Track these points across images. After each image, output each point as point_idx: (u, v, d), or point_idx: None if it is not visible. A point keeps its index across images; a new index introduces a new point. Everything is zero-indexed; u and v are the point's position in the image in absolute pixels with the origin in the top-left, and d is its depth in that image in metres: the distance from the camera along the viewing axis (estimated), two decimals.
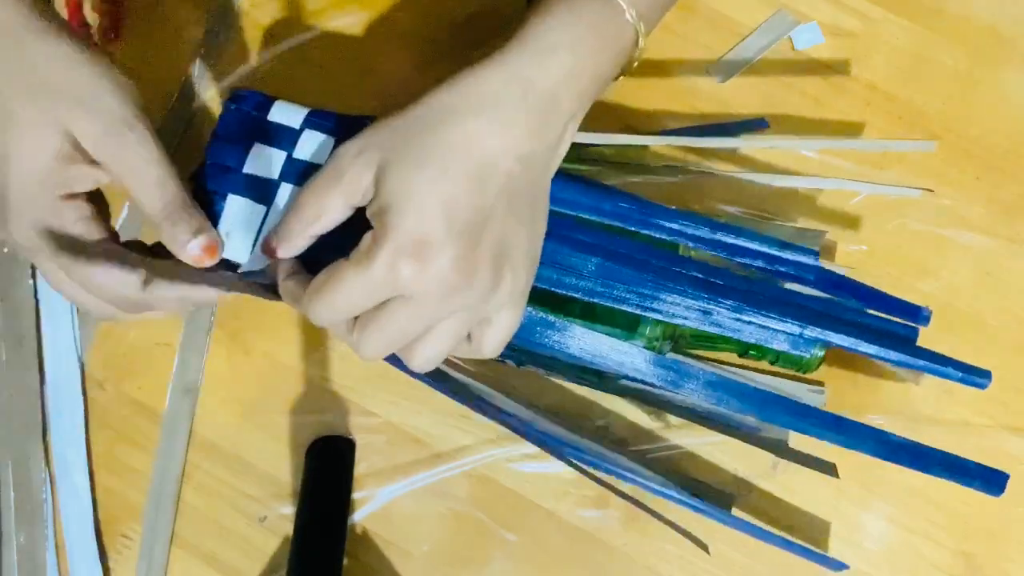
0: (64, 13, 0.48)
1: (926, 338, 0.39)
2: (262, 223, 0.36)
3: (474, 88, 0.31)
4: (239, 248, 0.36)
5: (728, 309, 0.37)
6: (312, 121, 0.37)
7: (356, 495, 0.44)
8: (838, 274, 0.39)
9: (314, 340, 0.45)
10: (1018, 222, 0.47)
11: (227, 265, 0.36)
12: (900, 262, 0.46)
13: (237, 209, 0.36)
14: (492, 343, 0.33)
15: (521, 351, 0.40)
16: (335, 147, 0.34)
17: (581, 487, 0.44)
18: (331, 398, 0.45)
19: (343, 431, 0.44)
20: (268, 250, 0.34)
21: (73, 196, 0.33)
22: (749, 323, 0.37)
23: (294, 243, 0.33)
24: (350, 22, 0.49)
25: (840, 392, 0.44)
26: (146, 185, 0.33)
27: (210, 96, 0.48)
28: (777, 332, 0.37)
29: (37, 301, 0.45)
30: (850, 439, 0.37)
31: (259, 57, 0.49)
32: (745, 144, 0.45)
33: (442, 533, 0.43)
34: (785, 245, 0.39)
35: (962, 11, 0.49)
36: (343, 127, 0.37)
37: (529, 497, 0.44)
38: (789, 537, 0.39)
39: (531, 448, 0.44)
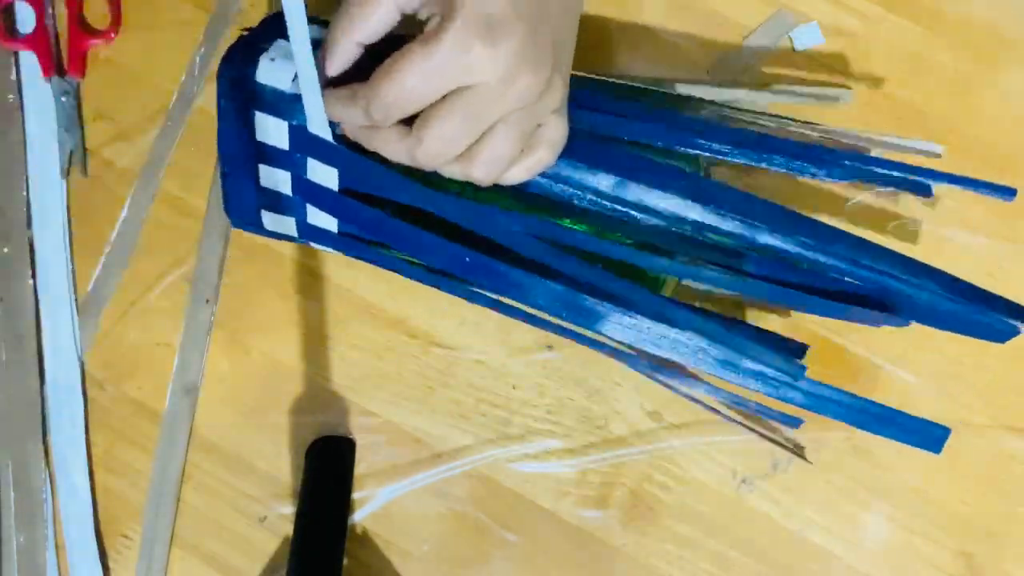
0: (64, 12, 0.48)
1: (926, 338, 0.39)
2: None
3: None
4: (278, 73, 0.35)
5: (763, 145, 0.37)
6: None
7: (356, 495, 0.44)
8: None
9: (314, 340, 0.45)
10: (1018, 222, 0.47)
11: (257, 93, 0.36)
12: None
13: (286, 49, 0.35)
14: (551, 143, 0.33)
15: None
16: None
17: (581, 487, 0.44)
18: (331, 398, 0.45)
19: (343, 431, 0.44)
20: (319, 63, 0.32)
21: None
22: (782, 158, 0.37)
23: (339, 51, 0.32)
24: None
25: None
26: None
27: (209, 96, 0.48)
28: (811, 163, 0.37)
29: (37, 301, 0.45)
30: (814, 401, 0.36)
31: None
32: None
33: (442, 533, 0.43)
34: (811, 147, 0.39)
35: (962, 11, 0.49)
36: None
37: (529, 497, 0.44)
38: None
39: (531, 448, 0.44)
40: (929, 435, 0.36)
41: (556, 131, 0.33)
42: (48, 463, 0.44)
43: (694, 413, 0.44)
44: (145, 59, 0.48)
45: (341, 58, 0.32)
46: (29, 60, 0.47)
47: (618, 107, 0.37)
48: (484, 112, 0.30)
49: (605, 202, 0.35)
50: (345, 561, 0.41)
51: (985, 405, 0.45)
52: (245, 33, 0.37)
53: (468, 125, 0.30)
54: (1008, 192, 0.38)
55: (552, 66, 0.31)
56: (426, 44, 0.29)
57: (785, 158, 0.37)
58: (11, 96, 0.47)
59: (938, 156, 0.43)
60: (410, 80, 0.29)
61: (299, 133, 0.36)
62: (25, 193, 0.46)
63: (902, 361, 0.45)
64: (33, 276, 0.46)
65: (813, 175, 0.38)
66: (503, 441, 0.44)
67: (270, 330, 0.45)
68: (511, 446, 0.44)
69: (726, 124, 0.40)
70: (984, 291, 0.36)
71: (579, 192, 0.35)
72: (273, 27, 0.37)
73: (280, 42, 0.36)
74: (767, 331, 0.39)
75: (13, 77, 0.48)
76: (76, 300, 0.46)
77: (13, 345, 0.45)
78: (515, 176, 0.33)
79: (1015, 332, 0.36)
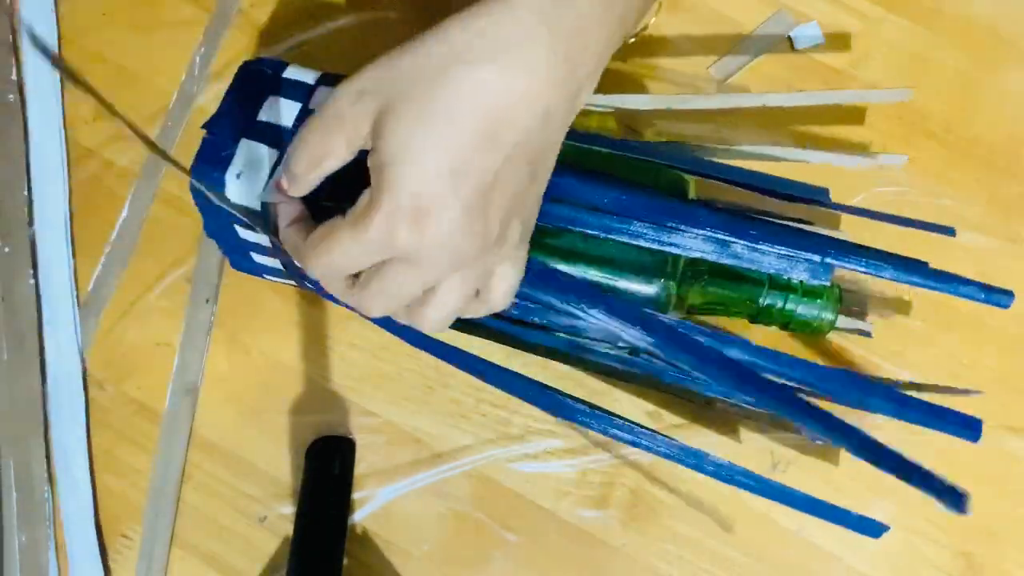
0: None
1: (925, 337, 0.39)
2: (274, 168, 0.36)
3: (491, 28, 0.27)
4: (249, 191, 0.36)
5: (746, 240, 0.36)
6: (326, 79, 0.37)
7: (356, 495, 0.44)
8: (851, 205, 0.39)
9: (314, 340, 0.45)
10: (1018, 222, 0.47)
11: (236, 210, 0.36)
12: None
13: (249, 151, 0.36)
14: (501, 292, 0.32)
15: (528, 301, 0.37)
16: None
17: (581, 487, 0.44)
18: (331, 398, 0.45)
19: (343, 431, 0.44)
20: (279, 187, 0.32)
21: None
22: (767, 253, 0.36)
23: (299, 183, 0.31)
24: (350, 22, 0.49)
25: None
26: None
27: (209, 96, 0.48)
28: (796, 260, 0.36)
29: (39, 299, 0.45)
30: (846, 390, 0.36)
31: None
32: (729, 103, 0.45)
33: (442, 533, 0.43)
34: (794, 185, 0.39)
35: (962, 11, 0.49)
36: None
37: (529, 497, 0.44)
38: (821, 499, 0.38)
39: (531, 448, 0.44)
40: (968, 424, 0.36)
41: (506, 281, 0.32)
42: (49, 462, 0.44)
43: (694, 413, 0.44)
44: (145, 59, 0.48)
45: (301, 187, 0.31)
46: (31, 60, 0.47)
47: (592, 196, 0.37)
48: (424, 278, 0.30)
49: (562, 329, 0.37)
50: (345, 561, 0.41)
51: (985, 405, 0.45)
52: (206, 135, 0.37)
53: (408, 289, 0.30)
54: (1006, 294, 0.37)
55: (507, 226, 0.30)
56: (353, 226, 0.28)
57: (773, 259, 0.36)
58: (12, 96, 0.47)
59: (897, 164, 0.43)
60: (337, 258, 0.29)
61: (279, 244, 0.36)
62: (26, 193, 0.46)
63: (902, 361, 0.45)
64: (35, 275, 0.46)
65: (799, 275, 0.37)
66: (503, 441, 0.44)
67: (270, 330, 0.45)
68: (511, 446, 0.44)
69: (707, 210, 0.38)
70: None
71: (535, 315, 0.36)
72: (235, 114, 0.37)
73: (243, 144, 0.36)
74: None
75: (14, 77, 0.48)
76: (78, 298, 0.46)
77: (14, 344, 0.45)
78: (468, 315, 0.33)
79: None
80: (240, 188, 0.36)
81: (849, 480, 0.44)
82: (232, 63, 0.48)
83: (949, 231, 0.39)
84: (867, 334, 0.44)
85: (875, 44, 0.49)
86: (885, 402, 0.36)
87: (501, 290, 0.32)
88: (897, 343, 0.45)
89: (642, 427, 0.39)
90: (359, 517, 0.43)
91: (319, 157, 0.30)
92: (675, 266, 0.37)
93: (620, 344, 0.39)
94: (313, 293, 0.45)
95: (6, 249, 0.46)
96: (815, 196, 0.40)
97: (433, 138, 0.27)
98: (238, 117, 0.36)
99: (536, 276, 0.35)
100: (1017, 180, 0.47)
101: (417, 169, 0.27)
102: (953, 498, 0.32)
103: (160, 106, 0.48)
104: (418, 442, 0.44)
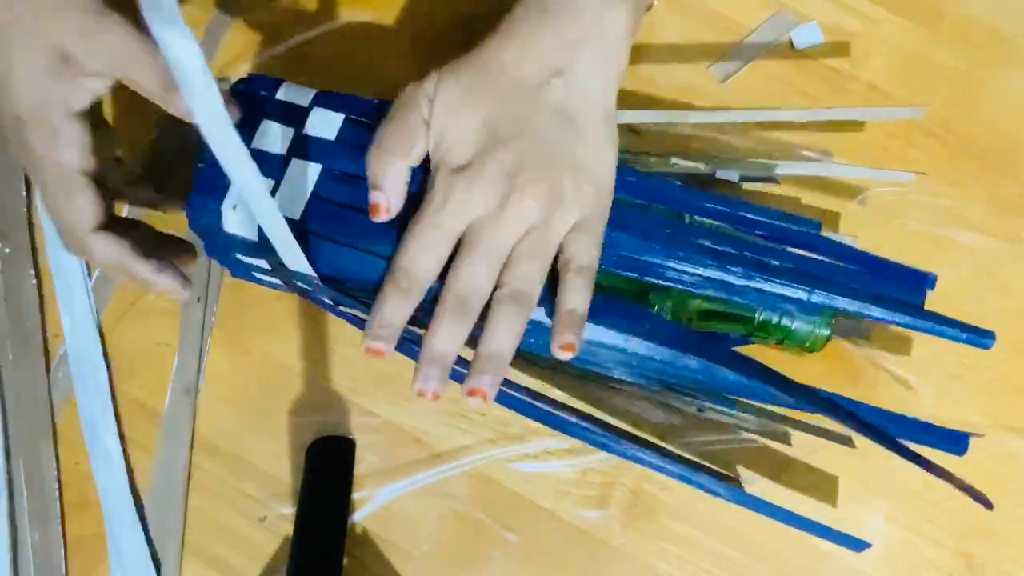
0: None
1: (925, 337, 0.39)
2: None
3: (506, 22, 0.35)
4: (246, 221, 0.36)
5: (736, 276, 0.36)
6: (320, 100, 0.37)
7: (356, 495, 0.44)
8: (840, 243, 0.39)
9: (314, 340, 0.45)
10: (1018, 222, 0.47)
11: (232, 241, 0.36)
12: (900, 262, 0.46)
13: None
14: (579, 249, 0.34)
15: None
16: (343, 125, 0.36)
17: (581, 487, 0.44)
18: (331, 398, 0.45)
19: (343, 431, 0.44)
20: (373, 211, 0.35)
21: (79, 116, 0.34)
22: (756, 289, 0.36)
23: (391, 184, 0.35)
24: (350, 22, 0.49)
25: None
26: (136, 58, 0.33)
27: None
28: (785, 298, 0.37)
29: (41, 298, 0.46)
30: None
31: (259, 57, 0.49)
32: (740, 117, 0.45)
33: (442, 533, 0.43)
34: (787, 216, 0.39)
35: (962, 11, 0.49)
36: (351, 107, 0.37)
37: (529, 497, 0.44)
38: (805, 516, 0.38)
39: (531, 448, 0.44)
40: (954, 440, 0.37)
41: (580, 244, 0.34)
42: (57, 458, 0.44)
43: (691, 419, 0.44)
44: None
45: (391, 180, 0.34)
46: None
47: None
48: (492, 242, 0.33)
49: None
50: (345, 561, 0.41)
51: (985, 405, 0.45)
52: (201, 164, 0.37)
53: (482, 261, 0.33)
54: (986, 335, 0.37)
55: (559, 175, 0.33)
56: (421, 208, 0.34)
57: (759, 296, 0.37)
58: None
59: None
60: (416, 239, 0.33)
61: (281, 266, 0.36)
62: (25, 193, 0.47)
63: (902, 361, 0.45)
64: (37, 276, 0.46)
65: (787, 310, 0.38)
66: (503, 441, 0.44)
67: (270, 330, 0.45)
68: (511, 446, 0.44)
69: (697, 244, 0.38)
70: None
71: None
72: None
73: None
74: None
75: None
76: (88, 271, 0.46)
77: (19, 344, 0.45)
78: (570, 302, 0.34)
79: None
80: (237, 219, 0.36)
81: (849, 481, 0.44)
82: (232, 63, 0.48)
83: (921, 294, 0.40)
84: (865, 337, 0.44)
85: (875, 44, 0.49)
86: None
87: (579, 244, 0.34)
88: (897, 343, 0.45)
89: (646, 443, 0.39)
90: (359, 517, 0.43)
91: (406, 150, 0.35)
92: (668, 293, 0.38)
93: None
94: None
95: (6, 250, 0.46)
96: (805, 228, 0.40)
97: (472, 104, 0.34)
98: None
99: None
100: (1017, 180, 0.47)
101: (460, 131, 0.33)
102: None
103: (160, 107, 0.48)
104: (418, 442, 0.44)
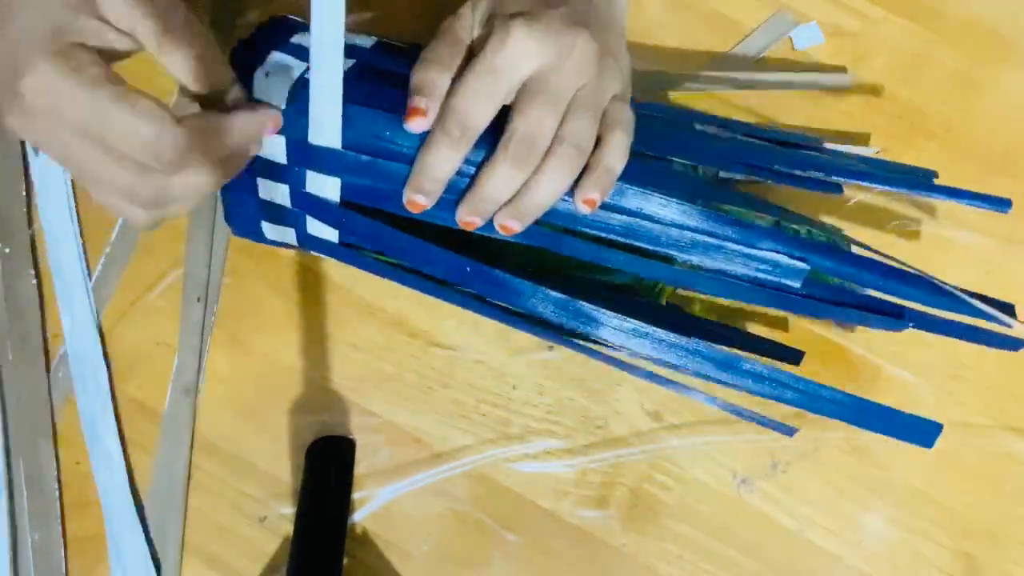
0: None
1: (925, 338, 0.39)
2: (301, 75, 0.35)
3: None
4: (276, 90, 0.35)
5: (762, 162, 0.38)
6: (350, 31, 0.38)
7: (356, 495, 0.44)
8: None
9: (314, 340, 0.45)
10: (1018, 222, 0.47)
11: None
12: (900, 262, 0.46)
13: (279, 59, 0.36)
14: (623, 114, 0.34)
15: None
16: (375, 43, 0.37)
17: (581, 487, 0.44)
18: (331, 398, 0.45)
19: (343, 431, 0.44)
20: (412, 114, 0.33)
21: (81, 48, 0.30)
22: (783, 170, 0.37)
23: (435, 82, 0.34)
24: (350, 22, 0.49)
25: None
26: (170, 27, 0.31)
27: None
28: (810, 172, 0.37)
29: (41, 298, 0.45)
30: (808, 399, 0.36)
31: None
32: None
33: (442, 533, 0.43)
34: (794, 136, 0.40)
35: (962, 11, 0.49)
36: (382, 48, 0.38)
37: (529, 497, 0.44)
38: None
39: (531, 448, 0.44)
40: (921, 431, 0.36)
41: (623, 112, 0.34)
42: (56, 456, 0.44)
43: (694, 413, 0.44)
44: (144, 58, 0.48)
45: (436, 87, 0.33)
46: None
47: None
48: (555, 90, 0.32)
49: (603, 211, 0.35)
50: (345, 561, 0.41)
51: (985, 405, 0.45)
52: (236, 45, 0.37)
53: (547, 107, 0.32)
54: (1003, 203, 0.39)
55: (606, 52, 0.33)
56: (478, 52, 0.32)
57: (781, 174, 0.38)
58: None
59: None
60: (474, 83, 0.32)
61: (297, 147, 0.36)
62: (25, 193, 0.47)
63: (902, 361, 0.45)
64: (37, 276, 0.46)
65: (809, 186, 0.38)
66: (503, 441, 0.44)
67: (270, 330, 0.45)
68: (511, 446, 0.44)
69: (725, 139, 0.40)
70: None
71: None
72: (270, 35, 0.37)
73: (275, 55, 0.36)
74: (763, 339, 0.40)
75: None
76: (88, 271, 0.46)
77: (19, 344, 0.45)
78: (610, 158, 0.34)
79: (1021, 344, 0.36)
80: (267, 86, 0.35)
81: (849, 482, 0.44)
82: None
83: (931, 174, 0.42)
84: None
85: (875, 44, 0.49)
86: (841, 408, 0.36)
87: (621, 120, 0.34)
88: (897, 343, 0.45)
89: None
90: (359, 517, 0.43)
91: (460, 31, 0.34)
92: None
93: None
94: (311, 280, 0.45)
95: (7, 250, 0.46)
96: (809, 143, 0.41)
97: None
98: (270, 39, 0.36)
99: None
100: (1017, 180, 0.47)
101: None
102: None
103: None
104: (418, 442, 0.44)
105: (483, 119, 0.32)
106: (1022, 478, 0.44)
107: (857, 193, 0.47)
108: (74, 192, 0.47)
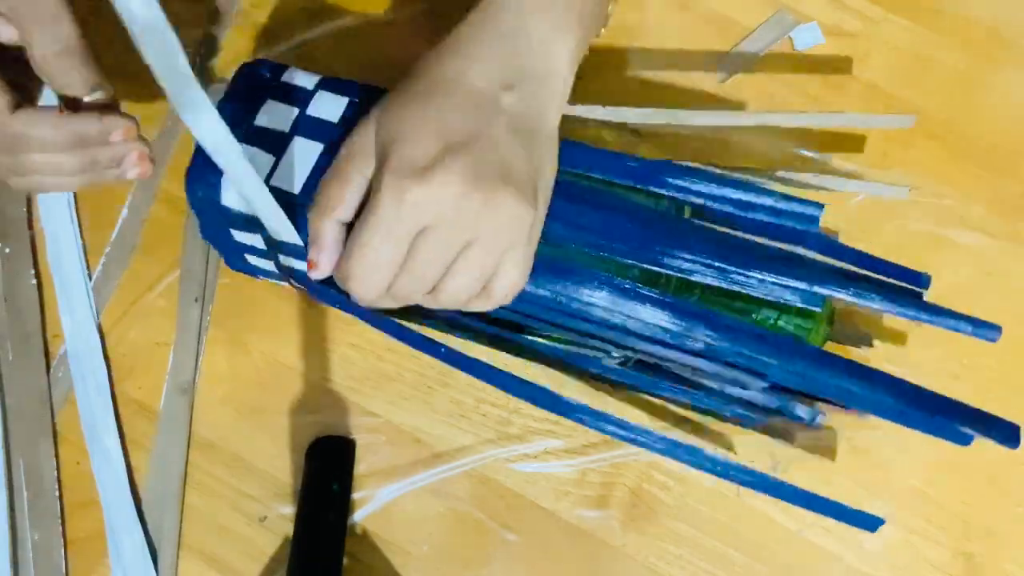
0: None
1: (925, 337, 0.39)
2: (270, 173, 0.36)
3: (452, 39, 0.34)
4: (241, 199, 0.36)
5: (736, 265, 0.36)
6: (326, 84, 0.37)
7: (356, 495, 0.44)
8: (840, 244, 0.39)
9: (314, 340, 0.45)
10: (1018, 222, 0.47)
11: (228, 214, 0.36)
12: (900, 262, 0.46)
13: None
14: (506, 286, 0.33)
15: (528, 304, 0.38)
16: (346, 108, 0.36)
17: (581, 487, 0.44)
18: (331, 398, 0.45)
19: (343, 431, 0.44)
20: (310, 267, 0.34)
21: None
22: (758, 280, 0.36)
23: (326, 234, 0.33)
24: (350, 22, 0.49)
25: None
26: (38, 17, 0.31)
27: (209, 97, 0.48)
28: (786, 288, 0.36)
29: (41, 298, 0.46)
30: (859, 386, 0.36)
31: (259, 57, 0.49)
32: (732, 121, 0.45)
33: (442, 533, 0.43)
34: (789, 198, 0.38)
35: (962, 11, 0.49)
36: (356, 92, 0.37)
37: (529, 497, 0.44)
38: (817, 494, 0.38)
39: (531, 448, 0.44)
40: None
41: (513, 271, 0.33)
42: (57, 454, 0.44)
43: (694, 416, 0.44)
44: (143, 60, 0.48)
45: (329, 239, 0.33)
46: None
47: (580, 215, 0.37)
48: (442, 247, 0.31)
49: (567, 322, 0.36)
50: (345, 561, 0.41)
51: (985, 405, 0.45)
52: (223, 98, 0.37)
53: (429, 265, 0.32)
54: (992, 328, 0.37)
55: (508, 188, 0.31)
56: (367, 214, 0.31)
57: (761, 283, 0.36)
58: None
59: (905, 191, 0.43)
60: (369, 244, 0.31)
61: (275, 245, 0.36)
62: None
63: (902, 361, 0.45)
64: (37, 276, 0.46)
65: (789, 301, 0.37)
66: (503, 441, 0.44)
67: (270, 330, 0.45)
68: (511, 446, 0.44)
69: (702, 232, 0.38)
70: (942, 400, 0.36)
71: (541, 311, 0.36)
72: (233, 118, 0.36)
73: (271, 105, 0.37)
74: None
75: None
76: (88, 271, 0.46)
77: (19, 344, 0.45)
78: (476, 307, 0.34)
79: (970, 439, 0.36)
80: (234, 194, 0.36)
81: (848, 482, 0.44)
82: (232, 63, 0.48)
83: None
84: (868, 343, 0.44)
85: (875, 44, 0.49)
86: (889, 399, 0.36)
87: (507, 284, 0.33)
88: (897, 344, 0.45)
89: (636, 425, 0.38)
90: (359, 517, 0.43)
91: (342, 192, 0.33)
92: (668, 280, 0.37)
93: (613, 354, 0.39)
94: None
95: (7, 250, 0.46)
96: (809, 211, 0.40)
97: (420, 112, 0.32)
98: (236, 121, 0.36)
99: (542, 265, 0.35)
100: (1018, 180, 0.47)
101: (411, 138, 0.31)
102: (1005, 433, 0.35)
103: (161, 107, 0.48)
104: (418, 442, 0.44)
105: (380, 291, 0.33)
106: (1022, 478, 0.44)
107: (857, 193, 0.47)
108: (74, 192, 0.47)
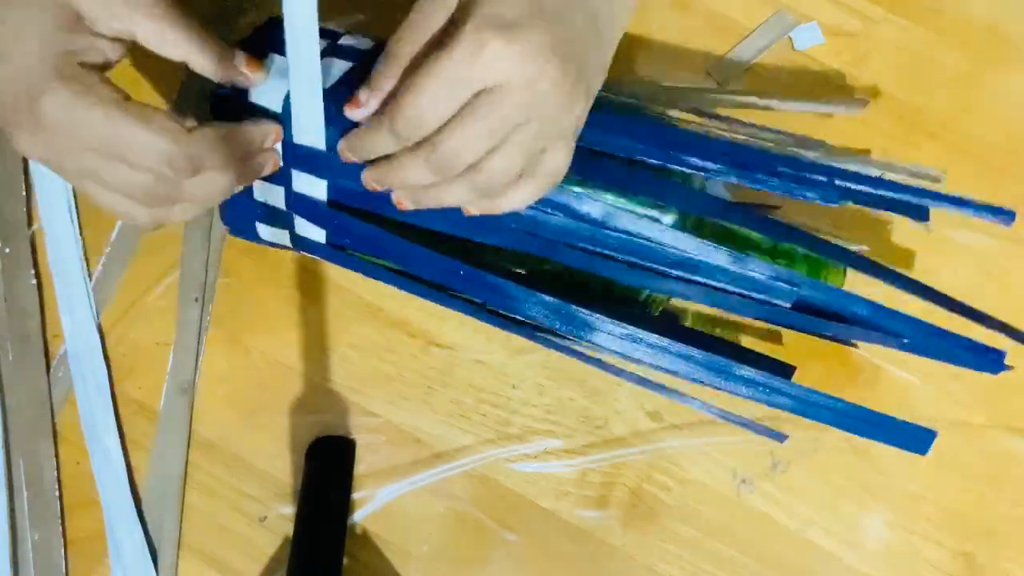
0: None
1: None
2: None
3: None
4: (273, 93, 0.35)
5: (755, 169, 0.36)
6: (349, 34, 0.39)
7: (356, 495, 0.44)
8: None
9: (314, 340, 0.45)
10: (1018, 222, 0.46)
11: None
12: (900, 262, 0.46)
13: (278, 62, 0.35)
14: (549, 173, 0.32)
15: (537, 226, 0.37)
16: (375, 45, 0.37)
17: (581, 487, 0.44)
18: (331, 398, 0.45)
19: (343, 431, 0.44)
20: (357, 101, 0.32)
21: (86, 67, 0.31)
22: (780, 174, 0.36)
23: (401, 56, 0.31)
24: (350, 22, 0.49)
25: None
26: (156, 17, 0.31)
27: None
28: (806, 186, 0.36)
29: (41, 298, 0.46)
30: (802, 406, 0.37)
31: None
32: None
33: (442, 533, 0.43)
34: (806, 165, 0.38)
35: (962, 11, 0.49)
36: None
37: (529, 497, 0.44)
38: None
39: (531, 448, 0.44)
40: (916, 437, 0.36)
41: (557, 159, 0.32)
42: (57, 454, 0.44)
43: (694, 413, 0.44)
44: (143, 60, 0.48)
45: (393, 69, 0.32)
46: None
47: (611, 122, 0.37)
48: (503, 116, 0.29)
49: (596, 229, 0.35)
50: (345, 561, 0.41)
51: (985, 405, 0.45)
52: (236, 46, 0.37)
53: (485, 133, 0.30)
54: (1007, 215, 0.38)
55: (578, 80, 0.30)
56: (441, 49, 0.29)
57: (781, 181, 0.37)
58: None
59: (937, 181, 0.43)
60: (431, 86, 0.29)
61: (291, 148, 0.36)
62: (24, 193, 0.47)
63: (902, 361, 0.45)
64: (37, 276, 0.46)
65: (808, 198, 0.37)
66: (503, 441, 0.44)
67: (270, 330, 0.45)
68: (511, 446, 0.44)
69: (722, 140, 0.39)
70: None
71: (571, 221, 0.35)
72: (266, 37, 0.36)
73: (274, 58, 0.36)
74: (754, 352, 0.40)
75: None
76: (88, 271, 0.46)
77: (19, 345, 0.45)
78: (509, 204, 0.33)
79: (1003, 356, 0.36)
80: (265, 89, 0.35)
81: (848, 482, 0.44)
82: None
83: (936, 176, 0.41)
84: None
85: (875, 44, 0.49)
86: (835, 415, 0.37)
87: (550, 170, 0.32)
88: None
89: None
90: (359, 517, 0.43)
91: (431, 13, 0.31)
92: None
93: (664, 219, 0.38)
94: (311, 280, 0.45)
95: (7, 250, 0.46)
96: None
97: None
98: (268, 40, 0.36)
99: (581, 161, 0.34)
100: (1017, 180, 0.47)
101: None
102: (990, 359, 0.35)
103: (161, 106, 0.48)
104: (418, 442, 0.44)
105: (430, 129, 0.31)
106: (1022, 478, 0.44)
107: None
108: (74, 192, 0.47)
